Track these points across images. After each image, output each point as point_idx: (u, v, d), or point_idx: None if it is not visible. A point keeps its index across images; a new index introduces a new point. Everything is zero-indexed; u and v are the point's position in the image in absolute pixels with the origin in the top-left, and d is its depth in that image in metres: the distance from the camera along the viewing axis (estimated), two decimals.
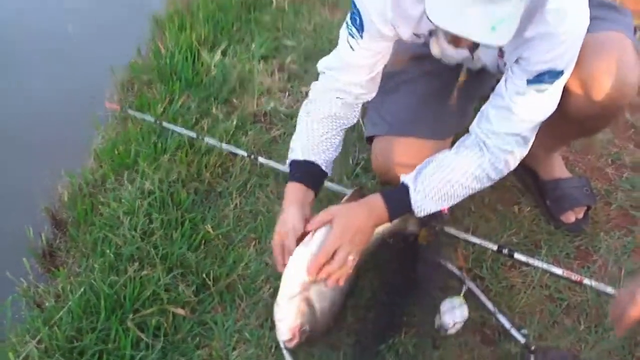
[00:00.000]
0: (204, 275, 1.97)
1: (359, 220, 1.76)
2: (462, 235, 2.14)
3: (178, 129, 2.42)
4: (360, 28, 1.79)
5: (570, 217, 2.23)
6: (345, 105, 1.95)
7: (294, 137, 1.97)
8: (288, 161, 1.96)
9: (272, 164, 2.33)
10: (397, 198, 1.81)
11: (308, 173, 1.92)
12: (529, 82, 1.71)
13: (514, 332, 1.88)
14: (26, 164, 2.60)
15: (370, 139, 2.18)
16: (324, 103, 1.95)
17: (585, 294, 2.01)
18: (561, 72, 1.69)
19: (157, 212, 2.12)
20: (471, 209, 2.25)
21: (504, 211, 2.27)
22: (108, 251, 2.00)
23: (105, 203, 2.22)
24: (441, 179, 1.79)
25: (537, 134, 2.16)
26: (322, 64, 1.96)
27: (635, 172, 2.46)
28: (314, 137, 1.94)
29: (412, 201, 1.79)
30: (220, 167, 2.36)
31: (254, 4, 3.21)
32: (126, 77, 2.91)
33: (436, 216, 1.95)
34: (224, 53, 2.87)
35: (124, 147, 2.39)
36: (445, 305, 1.87)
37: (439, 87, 2.08)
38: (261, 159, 2.34)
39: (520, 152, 1.82)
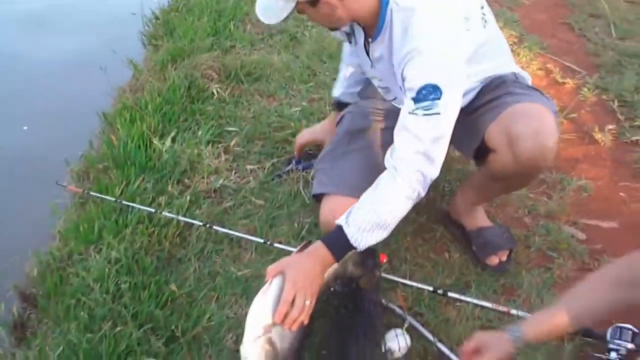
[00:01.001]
0: (173, 328, 2.15)
1: (307, 268, 1.93)
2: (401, 280, 2.36)
3: (137, 206, 2.62)
4: None
5: (494, 260, 2.48)
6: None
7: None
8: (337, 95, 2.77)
9: (226, 230, 2.55)
10: (336, 238, 1.98)
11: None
12: (415, 100, 1.91)
13: (453, 356, 2.11)
14: None
15: (318, 198, 2.42)
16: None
17: (513, 321, 2.25)
18: (439, 89, 1.88)
19: (125, 276, 2.31)
20: (407, 258, 2.50)
21: (437, 258, 2.52)
22: (82, 313, 2.17)
23: (74, 274, 2.39)
24: (368, 210, 1.95)
25: (463, 193, 2.47)
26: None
27: (549, 219, 2.74)
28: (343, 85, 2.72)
29: (349, 236, 1.95)
30: (178, 237, 2.56)
31: (197, 97, 3.48)
32: (82, 167, 3.11)
33: (376, 264, 2.20)
34: (173, 140, 3.10)
35: (88, 224, 2.58)
36: (390, 334, 2.10)
37: (380, 154, 2.31)
38: (216, 227, 2.56)
39: (429, 172, 1.96)
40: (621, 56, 4.01)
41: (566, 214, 2.79)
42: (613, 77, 3.79)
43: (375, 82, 2.34)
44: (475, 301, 2.30)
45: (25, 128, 3.66)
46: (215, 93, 3.50)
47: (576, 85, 3.75)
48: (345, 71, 2.70)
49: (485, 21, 2.13)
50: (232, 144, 3.11)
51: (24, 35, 4.91)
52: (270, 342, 1.95)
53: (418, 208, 2.64)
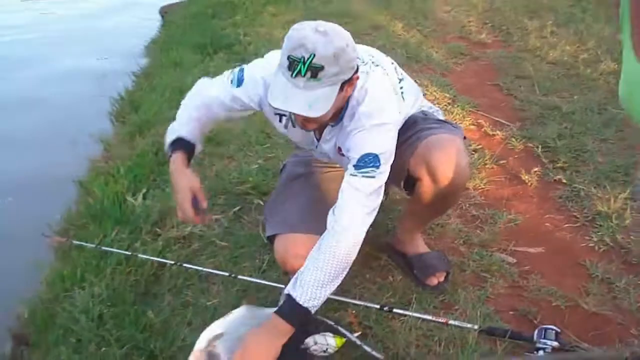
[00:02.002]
0: (152, 348, 2.41)
1: (265, 348, 2.11)
2: (352, 300, 2.64)
3: (115, 250, 2.90)
4: (239, 83, 2.36)
5: (433, 280, 2.78)
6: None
7: (172, 125, 2.52)
8: (171, 139, 2.48)
9: (195, 267, 2.84)
10: (288, 307, 2.10)
11: (189, 148, 2.47)
12: (355, 167, 2.16)
13: (375, 353, 2.36)
14: None
15: (271, 240, 2.63)
16: (198, 101, 2.50)
17: (451, 330, 2.55)
18: (377, 157, 2.14)
19: (107, 307, 2.58)
20: (356, 282, 2.80)
21: (382, 282, 2.80)
22: (71, 339, 2.43)
23: (61, 310, 2.65)
24: (313, 269, 2.11)
25: (402, 223, 2.79)
26: (200, 81, 2.57)
27: (482, 247, 3.04)
28: (188, 124, 2.48)
29: (300, 301, 2.08)
30: (153, 275, 2.83)
31: (164, 160, 3.76)
32: (62, 226, 3.40)
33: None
34: (144, 197, 3.40)
35: (71, 269, 2.85)
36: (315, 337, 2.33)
37: (320, 194, 2.61)
38: (186, 265, 2.85)
39: (368, 219, 2.19)
40: (544, 110, 4.43)
41: (497, 243, 3.10)
42: (537, 128, 4.19)
43: (315, 153, 2.60)
44: (417, 315, 2.56)
45: (10, 199, 3.93)
46: None
47: (505, 136, 4.13)
48: (202, 114, 2.52)
49: (403, 95, 2.43)
50: None
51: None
52: (212, 354, 2.19)
53: (365, 240, 2.96)
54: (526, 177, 3.65)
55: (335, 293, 2.53)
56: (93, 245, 2.92)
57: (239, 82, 2.37)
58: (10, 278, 3.12)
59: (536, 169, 3.72)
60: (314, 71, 1.96)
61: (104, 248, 2.91)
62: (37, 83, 5.88)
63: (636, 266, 2.91)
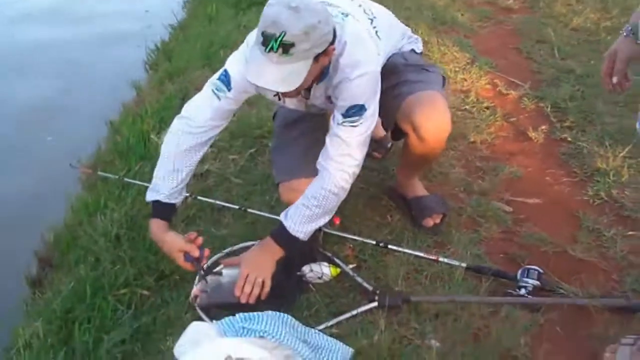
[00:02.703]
0: (162, 269, 2.61)
1: (259, 258, 2.39)
2: (350, 236, 2.81)
3: (136, 182, 3.09)
4: (227, 85, 2.38)
5: (429, 222, 2.92)
6: (200, 144, 2.50)
7: (158, 173, 2.49)
8: (151, 198, 2.48)
9: (208, 199, 3.03)
10: (280, 233, 2.36)
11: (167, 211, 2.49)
12: (343, 115, 2.29)
13: (365, 284, 2.54)
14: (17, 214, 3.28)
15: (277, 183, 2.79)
16: (186, 147, 2.46)
17: (440, 267, 2.70)
18: (363, 106, 2.28)
19: (124, 230, 2.78)
20: (356, 220, 2.95)
21: (381, 220, 2.97)
22: (90, 258, 2.64)
23: (84, 233, 2.87)
24: (301, 205, 2.34)
25: (400, 169, 2.93)
26: (184, 112, 2.49)
27: (481, 196, 3.17)
28: (175, 179, 2.46)
29: (289, 230, 2.34)
30: None
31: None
32: (91, 162, 3.61)
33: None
34: None
35: (96, 198, 3.06)
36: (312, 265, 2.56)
37: (315, 138, 2.62)
38: (200, 197, 3.03)
39: (353, 170, 2.34)
40: (560, 72, 4.49)
41: (496, 192, 3.23)
42: (551, 89, 4.26)
43: (309, 108, 2.67)
44: (410, 251, 2.73)
45: (49, 139, 4.17)
46: None
47: (518, 95, 4.22)
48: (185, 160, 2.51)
49: (377, 33, 2.52)
50: (217, 139, 3.60)
51: None
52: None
53: (370, 182, 3.14)
54: (533, 134, 3.75)
55: (336, 229, 2.74)
56: (116, 177, 3.11)
57: (228, 84, 2.41)
58: (40, 206, 3.33)
59: (544, 127, 3.81)
60: (286, 47, 2.05)
61: (126, 179, 3.11)
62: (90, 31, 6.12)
63: (626, 219, 3.01)
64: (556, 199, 3.22)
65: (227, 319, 2.08)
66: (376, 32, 2.49)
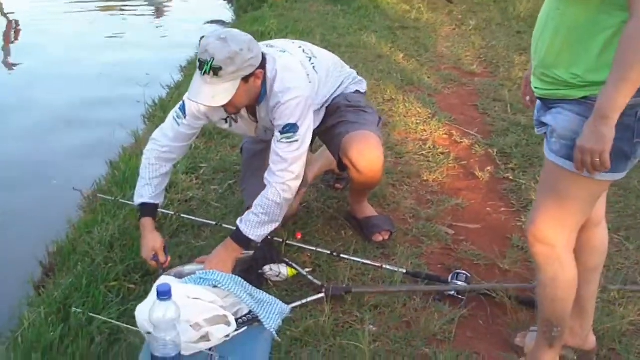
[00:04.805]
0: (147, 268, 3.02)
1: (221, 255, 2.82)
2: (309, 247, 3.21)
3: (129, 202, 3.50)
4: (183, 113, 2.87)
5: (378, 237, 3.34)
6: (165, 160, 2.98)
7: (138, 185, 3.01)
8: (137, 202, 3.00)
9: (190, 217, 3.47)
10: (237, 235, 2.79)
11: (153, 210, 3.01)
12: (280, 132, 2.71)
13: (315, 281, 2.95)
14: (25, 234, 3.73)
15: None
16: (154, 160, 2.97)
17: (383, 272, 3.09)
18: (296, 125, 2.70)
19: (117, 239, 3.21)
20: (315, 235, 3.40)
21: (336, 236, 3.39)
22: (87, 259, 3.07)
23: (82, 242, 3.31)
24: (252, 213, 2.76)
25: (350, 195, 3.36)
26: (153, 135, 3.00)
27: (427, 221, 3.59)
28: (151, 185, 2.97)
29: (244, 233, 2.76)
30: (157, 223, 3.46)
31: None
32: (91, 192, 4.08)
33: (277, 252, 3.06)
34: None
35: (94, 215, 3.51)
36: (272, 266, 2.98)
37: None
38: (183, 215, 3.48)
39: (292, 183, 2.75)
40: (510, 125, 4.96)
41: (441, 218, 3.65)
42: (500, 139, 4.73)
43: (261, 135, 3.09)
44: (358, 259, 3.14)
45: (54, 182, 4.64)
46: (193, 144, 4.47)
47: (470, 143, 4.68)
48: (156, 169, 3.01)
49: (315, 68, 2.97)
50: (201, 172, 4.07)
51: None
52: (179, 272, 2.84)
53: (330, 207, 3.59)
54: (480, 174, 4.19)
55: (298, 241, 3.17)
56: (112, 198, 3.57)
57: (184, 112, 2.90)
58: (45, 226, 3.78)
59: (489, 168, 4.25)
60: (215, 70, 2.52)
61: (121, 200, 3.55)
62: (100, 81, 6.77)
63: None
64: (493, 225, 3.65)
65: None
66: (313, 67, 2.97)
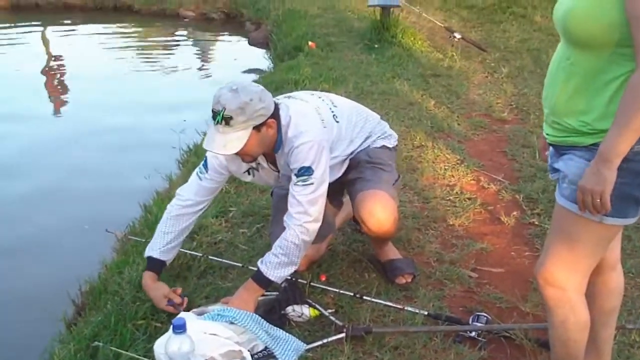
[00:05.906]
0: None
1: (244, 296, 2.88)
2: (334, 289, 3.27)
3: None
4: (206, 168, 2.99)
5: (401, 280, 3.38)
6: (186, 214, 3.10)
7: (153, 237, 3.14)
8: (146, 254, 3.12)
9: (217, 259, 3.56)
10: (257, 276, 2.87)
11: (158, 265, 3.11)
12: (296, 175, 2.79)
13: (337, 321, 2.99)
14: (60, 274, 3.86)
15: None
16: (175, 214, 3.09)
17: (405, 314, 3.12)
18: (310, 167, 2.77)
19: None
20: (340, 277, 3.46)
21: (359, 278, 3.44)
22: (117, 298, 3.18)
23: (112, 282, 3.42)
24: (272, 254, 2.85)
25: (371, 239, 3.41)
26: (178, 190, 3.14)
27: (451, 264, 3.63)
28: (164, 240, 3.08)
29: (265, 274, 2.83)
30: (185, 264, 3.54)
31: None
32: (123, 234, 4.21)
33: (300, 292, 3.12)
34: None
35: (125, 256, 3.63)
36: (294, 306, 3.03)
37: None
38: (211, 257, 3.57)
39: (310, 225, 2.82)
40: (538, 171, 4.99)
41: (465, 262, 3.68)
42: (527, 184, 4.77)
43: (284, 181, 3.10)
44: (380, 301, 3.19)
45: (86, 227, 4.80)
46: (223, 188, 4.59)
47: (497, 189, 4.72)
48: (175, 225, 3.13)
49: (335, 117, 3.07)
50: (230, 216, 4.18)
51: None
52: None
53: (354, 249, 3.66)
54: (506, 219, 4.22)
55: (322, 283, 3.24)
56: (143, 240, 3.68)
57: (206, 167, 3.02)
58: (79, 266, 3.91)
59: (515, 213, 4.29)
60: (227, 120, 2.63)
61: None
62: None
63: None
64: (517, 269, 3.67)
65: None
66: (334, 115, 3.07)
